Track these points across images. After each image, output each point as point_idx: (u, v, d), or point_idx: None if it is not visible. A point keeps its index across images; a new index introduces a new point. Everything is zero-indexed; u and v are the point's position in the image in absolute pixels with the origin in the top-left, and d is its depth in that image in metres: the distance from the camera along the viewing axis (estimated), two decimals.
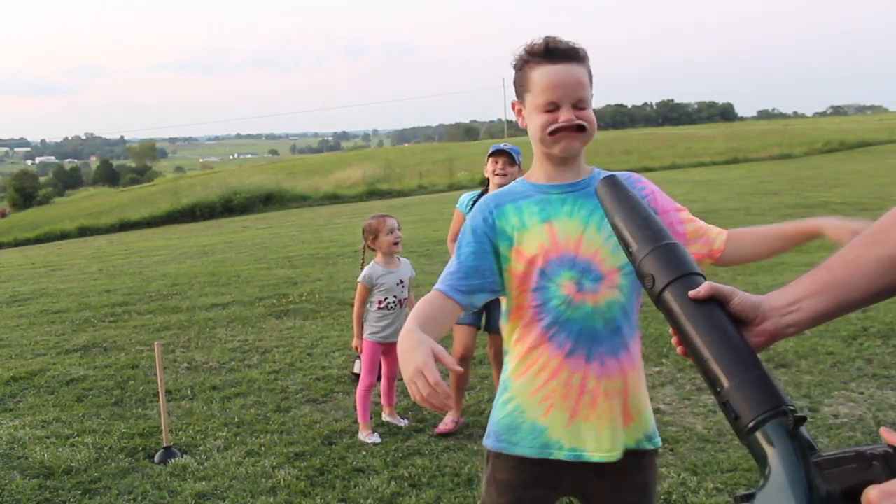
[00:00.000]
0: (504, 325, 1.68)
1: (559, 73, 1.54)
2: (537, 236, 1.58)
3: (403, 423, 4.03)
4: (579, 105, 1.56)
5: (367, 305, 3.96)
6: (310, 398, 4.49)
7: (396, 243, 3.94)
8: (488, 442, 1.67)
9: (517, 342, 1.62)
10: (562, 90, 1.54)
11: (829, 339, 5.05)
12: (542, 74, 1.55)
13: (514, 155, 3.73)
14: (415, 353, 1.27)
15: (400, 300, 3.94)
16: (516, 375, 1.63)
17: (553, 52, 1.55)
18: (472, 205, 3.80)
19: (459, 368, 1.31)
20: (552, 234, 1.57)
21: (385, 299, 3.92)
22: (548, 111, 1.55)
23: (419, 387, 1.23)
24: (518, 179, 1.70)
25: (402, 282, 3.96)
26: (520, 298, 1.60)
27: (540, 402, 1.59)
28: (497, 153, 3.75)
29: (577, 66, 1.56)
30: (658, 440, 1.66)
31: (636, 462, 1.62)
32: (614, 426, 1.57)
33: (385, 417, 4.08)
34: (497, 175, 3.73)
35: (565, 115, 1.54)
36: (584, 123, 1.56)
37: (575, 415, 1.56)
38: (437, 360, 1.26)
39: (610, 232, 1.53)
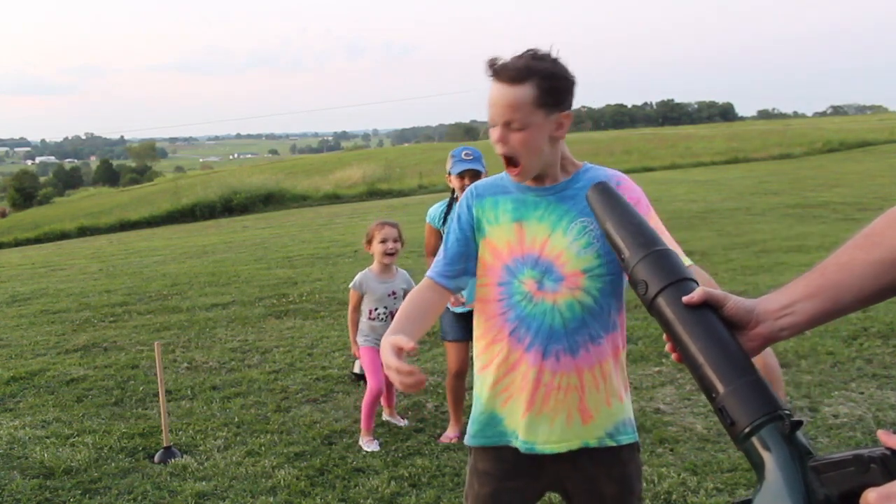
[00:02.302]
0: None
1: (495, 94, 1.59)
2: (506, 234, 1.66)
3: (403, 423, 4.02)
4: (513, 126, 1.58)
5: (360, 313, 3.90)
6: (310, 398, 4.49)
7: (389, 254, 3.82)
8: (465, 437, 1.79)
9: (481, 336, 1.71)
10: (493, 109, 1.60)
11: (829, 339, 5.05)
12: (489, 91, 1.62)
13: (479, 169, 3.61)
14: (384, 357, 1.50)
15: (391, 312, 3.84)
16: (479, 369, 1.72)
17: (496, 71, 1.59)
18: (444, 217, 3.73)
19: (411, 344, 1.47)
20: (520, 234, 1.65)
21: (375, 309, 3.83)
22: (492, 127, 1.62)
23: (396, 380, 1.46)
24: (505, 172, 1.73)
25: (394, 293, 3.85)
26: (486, 290, 1.69)
27: (499, 394, 1.68)
28: (462, 175, 3.61)
29: (516, 88, 1.56)
30: (627, 436, 1.69)
31: (615, 455, 1.68)
32: (568, 420, 1.63)
33: (385, 417, 4.08)
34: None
35: (493, 135, 1.61)
36: (507, 154, 1.59)
37: (530, 407, 1.64)
38: (400, 348, 1.48)
39: (576, 235, 1.62)
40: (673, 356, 1.04)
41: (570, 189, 1.65)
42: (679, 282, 1.04)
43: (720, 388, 0.95)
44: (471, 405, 3.98)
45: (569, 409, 1.62)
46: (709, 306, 1.02)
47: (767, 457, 0.88)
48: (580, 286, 1.61)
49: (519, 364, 1.63)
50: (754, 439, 0.90)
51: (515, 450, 1.67)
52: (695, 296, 1.01)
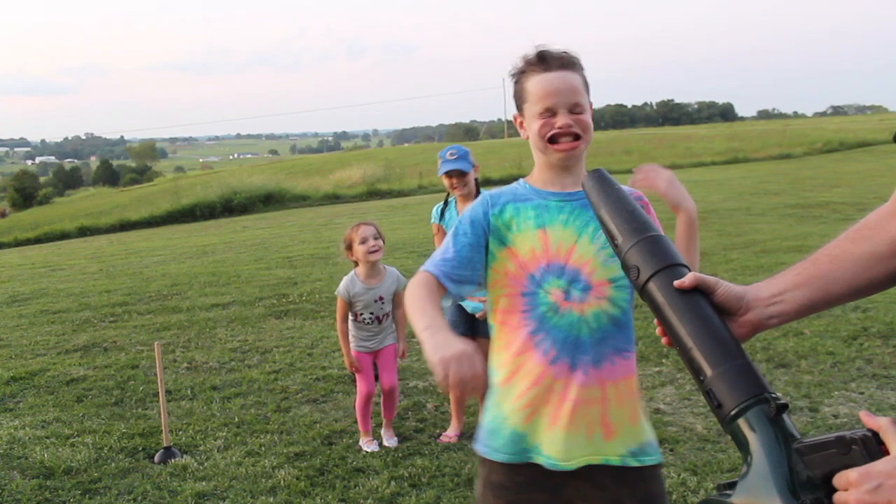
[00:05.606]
0: (491, 326, 1.68)
1: (553, 80, 1.58)
2: (530, 241, 1.59)
3: (394, 441, 3.81)
4: (576, 110, 1.59)
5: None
6: (310, 398, 4.49)
7: (372, 252, 3.64)
8: (477, 445, 1.69)
9: (504, 347, 1.63)
10: (557, 97, 1.57)
11: (829, 339, 5.05)
12: (536, 83, 1.59)
13: (462, 168, 3.68)
14: (464, 347, 1.30)
15: (378, 317, 3.72)
16: (503, 381, 1.63)
17: (546, 60, 1.59)
18: (442, 214, 3.83)
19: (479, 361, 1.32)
20: (545, 240, 1.59)
21: (361, 314, 3.72)
22: (545, 118, 1.58)
23: (464, 369, 1.26)
24: (520, 181, 1.71)
25: (381, 298, 3.70)
26: (509, 301, 1.61)
27: (522, 408, 1.59)
28: (448, 174, 3.69)
29: (570, 73, 1.60)
30: (651, 457, 1.62)
31: (639, 474, 1.60)
32: (589, 435, 1.56)
33: (384, 437, 3.84)
34: (455, 189, 3.72)
35: (562, 120, 1.57)
36: (579, 131, 1.59)
37: (555, 422, 1.56)
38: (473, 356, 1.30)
39: (603, 244, 1.55)
40: (663, 340, 1.06)
41: None
42: (670, 267, 1.06)
43: (708, 370, 0.97)
44: (473, 404, 3.94)
45: (590, 423, 1.56)
46: (700, 291, 1.03)
47: (753, 439, 0.90)
48: (607, 296, 1.57)
49: (543, 378, 1.56)
50: (740, 421, 0.92)
51: (530, 464, 1.59)
52: (686, 280, 1.02)
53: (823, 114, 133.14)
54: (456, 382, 1.25)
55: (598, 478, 1.58)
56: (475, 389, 1.27)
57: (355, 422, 3.99)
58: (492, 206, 1.64)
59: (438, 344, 1.31)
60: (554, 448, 1.57)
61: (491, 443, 1.64)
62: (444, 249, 1.63)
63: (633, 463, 1.59)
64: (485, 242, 1.62)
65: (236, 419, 4.18)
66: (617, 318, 1.58)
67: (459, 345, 1.30)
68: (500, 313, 1.64)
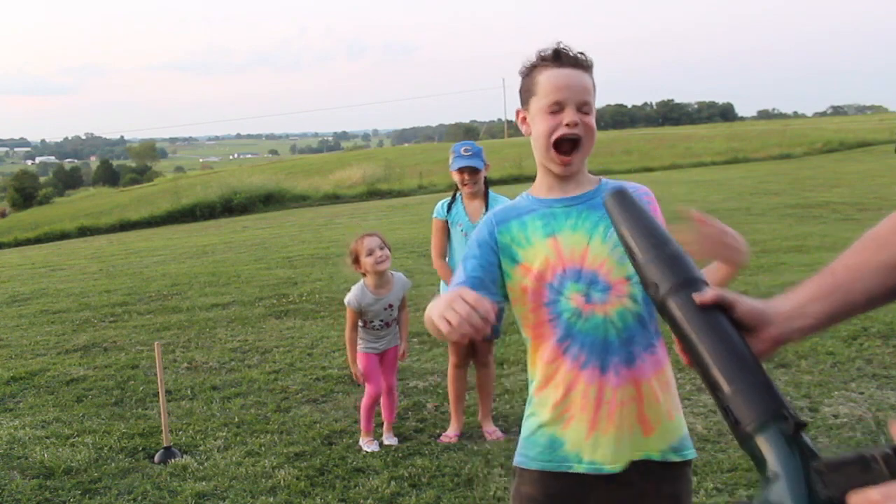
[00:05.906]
0: (525, 340, 1.69)
1: (566, 76, 1.58)
2: (542, 251, 1.59)
3: (394, 440, 3.85)
4: (584, 109, 1.58)
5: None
6: (310, 398, 4.49)
7: (381, 262, 3.62)
8: (515, 458, 1.68)
9: (538, 357, 1.63)
10: (568, 92, 1.57)
11: (829, 339, 5.04)
12: (549, 77, 1.58)
13: (476, 166, 3.69)
14: (449, 293, 1.32)
15: (387, 322, 3.76)
16: (537, 390, 1.64)
17: (562, 57, 1.59)
18: (448, 208, 3.81)
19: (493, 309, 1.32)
20: (557, 247, 1.59)
21: (371, 322, 3.74)
22: (552, 112, 1.57)
23: (458, 309, 1.26)
24: (523, 194, 1.71)
25: (390, 306, 3.73)
26: (535, 313, 1.61)
27: (559, 415, 1.59)
28: (461, 170, 3.71)
29: (582, 73, 1.60)
30: (689, 452, 1.62)
31: (666, 472, 1.60)
32: (631, 434, 1.56)
33: (384, 437, 3.87)
34: (466, 185, 3.73)
35: (569, 116, 1.56)
36: (581, 133, 1.57)
37: (594, 427, 1.56)
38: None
39: (615, 242, 1.50)
40: (682, 359, 1.03)
41: (599, 198, 1.59)
42: (690, 282, 1.04)
43: (726, 387, 0.95)
44: (472, 404, 3.94)
45: (628, 422, 1.55)
46: (719, 308, 1.02)
47: (771, 457, 0.88)
48: (627, 293, 1.56)
49: (576, 384, 1.56)
50: (758, 439, 0.90)
51: (565, 474, 1.58)
52: (707, 295, 1.01)
53: (823, 114, 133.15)
54: (458, 325, 1.27)
55: (632, 476, 1.57)
56: (481, 325, 1.27)
57: (355, 422, 3.99)
58: (497, 225, 1.64)
59: (434, 307, 1.35)
60: (597, 453, 1.56)
61: (527, 452, 1.64)
62: (457, 276, 1.65)
63: (675, 458, 1.59)
64: (496, 261, 1.62)
65: (236, 419, 4.18)
66: (639, 313, 1.57)
67: (448, 294, 1.32)
68: (530, 328, 1.63)
